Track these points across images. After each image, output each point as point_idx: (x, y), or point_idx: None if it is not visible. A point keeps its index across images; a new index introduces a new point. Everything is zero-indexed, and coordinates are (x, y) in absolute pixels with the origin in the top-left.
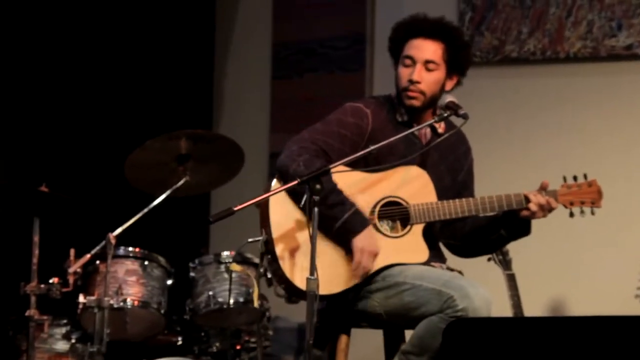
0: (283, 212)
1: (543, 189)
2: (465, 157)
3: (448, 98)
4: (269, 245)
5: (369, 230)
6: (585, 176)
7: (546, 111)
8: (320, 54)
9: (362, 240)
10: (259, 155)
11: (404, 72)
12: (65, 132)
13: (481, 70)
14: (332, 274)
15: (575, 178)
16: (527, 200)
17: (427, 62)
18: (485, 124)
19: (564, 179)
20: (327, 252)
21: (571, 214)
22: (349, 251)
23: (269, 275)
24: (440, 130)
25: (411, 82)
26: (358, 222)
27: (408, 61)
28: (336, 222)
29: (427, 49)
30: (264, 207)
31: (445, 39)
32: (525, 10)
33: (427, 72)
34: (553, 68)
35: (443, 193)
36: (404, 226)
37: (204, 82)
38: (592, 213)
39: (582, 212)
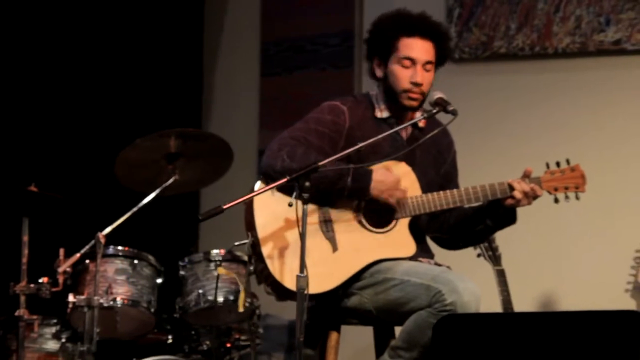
0: (268, 214)
1: (526, 176)
2: (448, 150)
3: (437, 94)
4: (255, 248)
5: (377, 173)
6: (567, 161)
7: (535, 106)
8: (309, 51)
9: (379, 186)
10: (248, 153)
11: (404, 73)
12: (54, 131)
13: (469, 66)
14: (321, 272)
15: (558, 164)
16: (511, 188)
17: (426, 63)
18: (474, 120)
19: (547, 165)
20: (315, 250)
21: (556, 200)
22: (336, 248)
23: (258, 274)
24: (421, 125)
25: (416, 84)
26: (362, 178)
27: (407, 62)
28: (344, 187)
29: (425, 50)
30: (248, 210)
31: (436, 39)
32: (513, 5)
33: (425, 72)
34: (541, 63)
35: (427, 186)
36: (389, 221)
37: (193, 80)
38: (577, 198)
39: (567, 197)
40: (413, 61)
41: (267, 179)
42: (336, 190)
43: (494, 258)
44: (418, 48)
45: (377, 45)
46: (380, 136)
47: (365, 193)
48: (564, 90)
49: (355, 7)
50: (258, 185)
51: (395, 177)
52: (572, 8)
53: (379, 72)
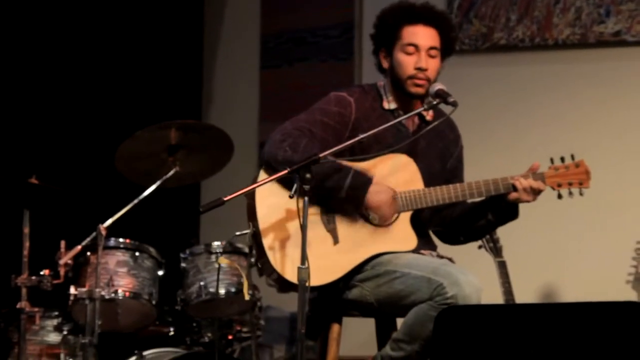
0: (270, 204)
1: (532, 171)
2: (454, 145)
3: (437, 86)
4: (257, 238)
5: (376, 184)
6: (572, 157)
7: (535, 98)
8: (309, 43)
9: (374, 197)
10: (248, 145)
11: (409, 60)
12: (55, 124)
13: (470, 58)
14: (322, 265)
15: (562, 159)
16: (514, 186)
17: (430, 48)
18: (475, 112)
19: (551, 160)
20: (316, 242)
21: (559, 196)
22: (337, 240)
23: (260, 266)
24: (428, 118)
25: (420, 69)
26: (361, 182)
27: (411, 48)
28: (340, 191)
29: (429, 36)
30: (250, 200)
31: (439, 26)
32: None
33: (430, 58)
34: (542, 55)
35: (432, 180)
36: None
37: (193, 73)
38: (581, 194)
39: (570, 193)
40: (417, 47)
41: (269, 169)
42: (333, 189)
43: (495, 250)
44: (421, 34)
45: (381, 37)
46: (382, 127)
47: (360, 201)
48: (564, 82)
49: None
50: (261, 175)
51: (390, 196)
52: None
53: (385, 64)
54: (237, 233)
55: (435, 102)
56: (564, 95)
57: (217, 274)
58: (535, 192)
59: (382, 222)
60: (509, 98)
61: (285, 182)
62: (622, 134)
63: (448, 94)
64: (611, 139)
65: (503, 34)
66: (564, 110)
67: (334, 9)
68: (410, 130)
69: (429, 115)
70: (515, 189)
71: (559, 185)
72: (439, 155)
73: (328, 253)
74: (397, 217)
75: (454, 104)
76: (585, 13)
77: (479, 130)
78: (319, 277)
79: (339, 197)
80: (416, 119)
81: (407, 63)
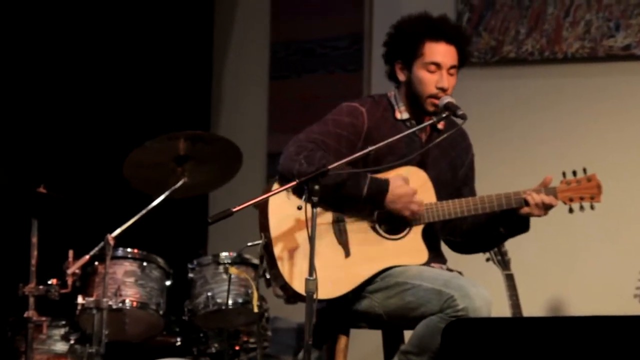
0: (282, 215)
1: (545, 185)
2: (466, 153)
3: (446, 99)
4: (268, 249)
5: (394, 182)
6: (584, 171)
7: (544, 112)
8: (318, 54)
9: (394, 197)
10: (257, 156)
11: (430, 78)
12: (63, 133)
13: (479, 71)
14: (332, 277)
15: (574, 173)
16: (527, 201)
17: (450, 67)
18: (484, 125)
19: (564, 174)
20: (326, 254)
21: (570, 210)
22: (348, 253)
23: (268, 276)
24: (440, 127)
25: (441, 89)
26: (379, 184)
27: (433, 67)
28: (360, 195)
29: (450, 55)
30: (262, 210)
31: (459, 44)
32: (523, 10)
33: (449, 77)
34: (551, 68)
35: (443, 188)
36: (403, 228)
37: (202, 83)
38: (592, 208)
39: (581, 207)
40: (438, 66)
41: (283, 181)
42: (351, 197)
43: (503, 262)
44: (443, 53)
45: (400, 48)
46: (394, 138)
47: (380, 204)
48: (573, 96)
49: (364, 10)
50: (274, 186)
51: (412, 189)
52: (581, 13)
53: (401, 76)
54: (249, 244)
55: (444, 115)
56: (573, 109)
57: (227, 284)
58: (547, 207)
59: (412, 212)
60: (518, 111)
61: (299, 193)
62: (631, 148)
63: (457, 107)
64: (620, 152)
65: (512, 47)
66: (573, 124)
67: (343, 20)
68: (423, 140)
69: (440, 124)
70: (527, 203)
71: (571, 200)
72: (451, 164)
73: (339, 265)
74: (409, 231)
75: (463, 117)
76: (595, 27)
77: (487, 143)
78: (329, 289)
79: (358, 198)
80: (428, 128)
81: (429, 81)
